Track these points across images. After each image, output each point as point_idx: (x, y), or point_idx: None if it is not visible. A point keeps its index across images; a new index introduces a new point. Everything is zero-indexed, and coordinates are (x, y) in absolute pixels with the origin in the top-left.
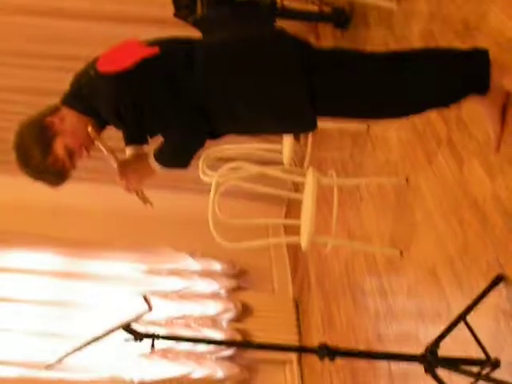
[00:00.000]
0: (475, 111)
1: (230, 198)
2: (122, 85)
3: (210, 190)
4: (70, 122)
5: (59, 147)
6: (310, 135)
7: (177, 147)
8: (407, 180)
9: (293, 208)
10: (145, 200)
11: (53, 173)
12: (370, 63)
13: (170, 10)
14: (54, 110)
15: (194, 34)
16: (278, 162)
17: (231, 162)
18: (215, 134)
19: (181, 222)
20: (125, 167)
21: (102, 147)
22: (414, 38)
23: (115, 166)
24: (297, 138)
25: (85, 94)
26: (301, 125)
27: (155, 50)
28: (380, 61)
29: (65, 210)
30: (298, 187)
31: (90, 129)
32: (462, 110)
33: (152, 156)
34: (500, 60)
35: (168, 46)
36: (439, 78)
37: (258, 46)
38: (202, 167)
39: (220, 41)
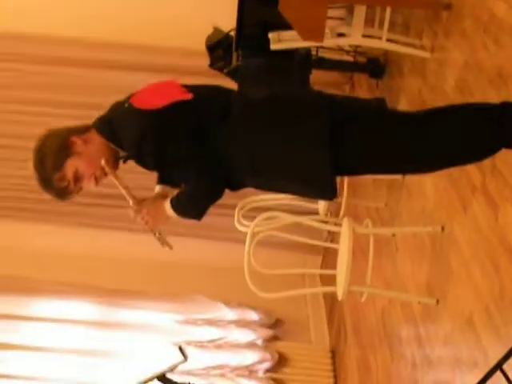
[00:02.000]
0: (510, 158)
1: (266, 247)
2: (149, 123)
3: (245, 240)
4: (92, 146)
5: (70, 168)
6: (346, 185)
7: (192, 197)
8: (443, 228)
9: (329, 257)
10: (163, 242)
11: (55, 189)
12: (402, 123)
13: (205, 61)
14: (83, 130)
15: (229, 84)
16: (313, 212)
17: (267, 211)
18: (235, 186)
19: (216, 271)
20: (140, 206)
21: (115, 181)
22: (448, 86)
23: (130, 202)
24: None
25: (114, 124)
26: (321, 192)
27: (189, 95)
28: (412, 119)
29: (100, 259)
30: (333, 237)
31: (103, 162)
32: (496, 158)
33: (168, 202)
34: None
35: (204, 93)
36: (471, 135)
37: (294, 111)
38: (237, 217)
39: (257, 99)
